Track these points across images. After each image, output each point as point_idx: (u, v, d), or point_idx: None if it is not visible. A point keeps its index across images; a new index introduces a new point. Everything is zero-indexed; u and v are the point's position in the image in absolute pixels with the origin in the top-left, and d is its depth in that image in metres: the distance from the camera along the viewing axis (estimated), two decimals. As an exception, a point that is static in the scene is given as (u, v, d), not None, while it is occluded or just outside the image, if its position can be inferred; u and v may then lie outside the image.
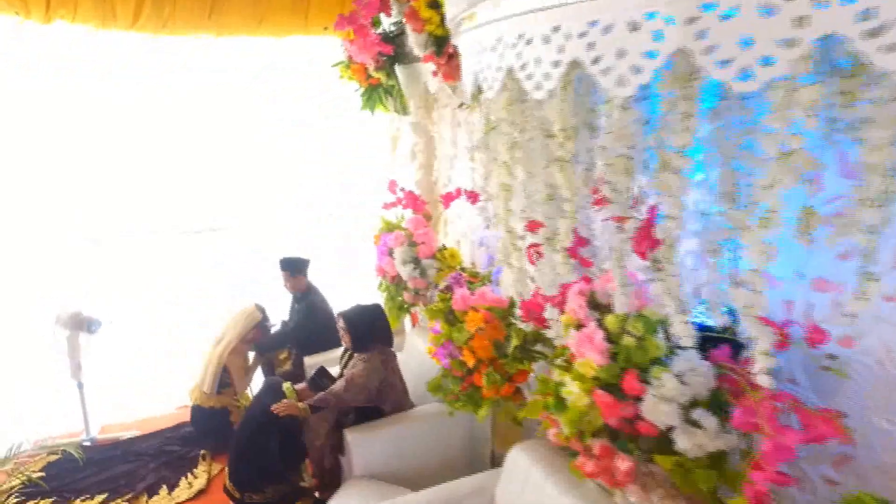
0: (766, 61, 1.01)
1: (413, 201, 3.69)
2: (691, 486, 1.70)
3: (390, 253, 3.64)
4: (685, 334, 1.43)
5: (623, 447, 1.76)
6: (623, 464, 1.74)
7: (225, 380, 3.86)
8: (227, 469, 3.24)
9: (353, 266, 5.36)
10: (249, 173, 5.61)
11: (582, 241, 2.09)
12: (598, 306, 2.06)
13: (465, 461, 3.17)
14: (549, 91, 1.41)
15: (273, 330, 4.13)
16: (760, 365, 1.26)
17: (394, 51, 3.59)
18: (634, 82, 1.20)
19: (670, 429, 1.71)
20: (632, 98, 1.36)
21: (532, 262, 2.22)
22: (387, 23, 3.79)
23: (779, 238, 1.24)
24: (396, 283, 3.70)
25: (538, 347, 2.56)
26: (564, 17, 1.31)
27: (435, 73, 2.90)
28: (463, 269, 3.53)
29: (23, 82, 4.41)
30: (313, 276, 4.25)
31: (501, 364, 2.51)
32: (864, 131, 1.10)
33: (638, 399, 1.78)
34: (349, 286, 4.49)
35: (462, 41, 2.04)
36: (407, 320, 4.28)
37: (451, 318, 2.75)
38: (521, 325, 2.60)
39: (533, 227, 1.88)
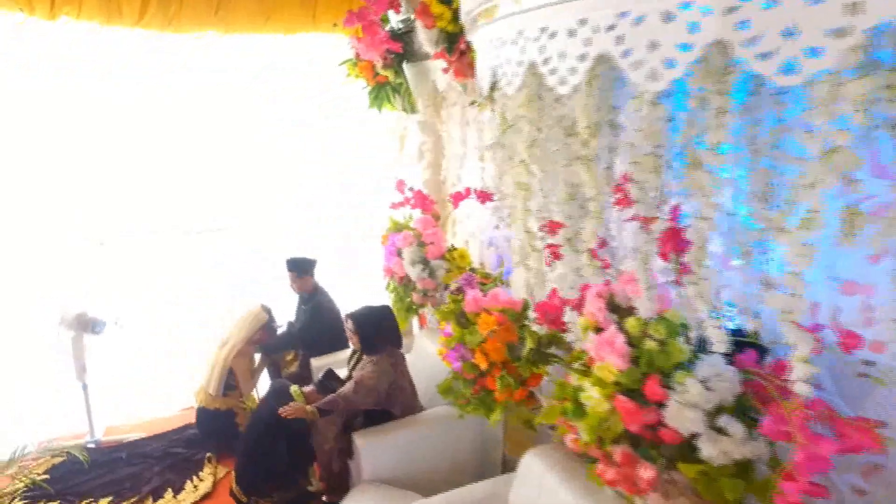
0: (813, 53, 0.96)
1: (422, 201, 3.64)
2: (716, 494, 1.65)
3: (399, 253, 3.59)
4: (718, 339, 1.37)
5: (646, 455, 1.71)
6: (646, 472, 1.68)
7: (231, 381, 3.81)
8: (233, 472, 3.19)
9: (352, 266, 5.32)
10: (251, 173, 5.57)
11: (601, 243, 2.04)
12: (617, 309, 2.01)
13: (475, 466, 3.11)
14: (573, 86, 1.36)
15: (279, 331, 4.08)
16: (799, 372, 1.20)
17: (402, 48, 3.54)
18: (667, 76, 1.15)
19: (694, 436, 1.66)
20: (661, 94, 1.31)
21: (547, 264, 2.17)
22: (394, 20, 3.75)
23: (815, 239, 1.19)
24: (405, 284, 3.65)
25: (552, 350, 2.51)
26: (592, 9, 1.26)
27: (446, 71, 2.85)
28: (473, 270, 3.48)
29: (23, 82, 4.38)
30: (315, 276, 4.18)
31: (515, 367, 2.46)
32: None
33: (660, 405, 1.73)
34: (349, 286, 4.42)
35: (478, 36, 1.99)
36: (415, 321, 4.23)
37: (463, 320, 2.70)
38: (535, 328, 2.56)
39: (553, 227, 1.83)
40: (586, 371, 1.96)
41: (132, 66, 4.49)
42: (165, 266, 5.46)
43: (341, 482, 3.13)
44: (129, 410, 4.38)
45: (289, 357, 4.14)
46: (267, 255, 5.52)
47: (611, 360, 1.83)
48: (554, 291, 2.26)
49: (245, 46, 4.33)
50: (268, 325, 3.95)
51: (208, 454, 3.75)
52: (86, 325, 3.86)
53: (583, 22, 1.28)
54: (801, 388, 1.23)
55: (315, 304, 3.99)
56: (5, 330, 4.26)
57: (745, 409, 1.68)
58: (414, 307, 3.65)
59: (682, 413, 1.65)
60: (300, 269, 4.01)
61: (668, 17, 1.12)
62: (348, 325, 3.09)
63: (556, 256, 2.16)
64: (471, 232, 3.91)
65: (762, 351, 1.75)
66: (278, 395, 3.09)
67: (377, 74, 3.85)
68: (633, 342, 1.83)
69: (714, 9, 1.05)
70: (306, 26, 3.56)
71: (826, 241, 1.22)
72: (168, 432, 4.09)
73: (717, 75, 1.24)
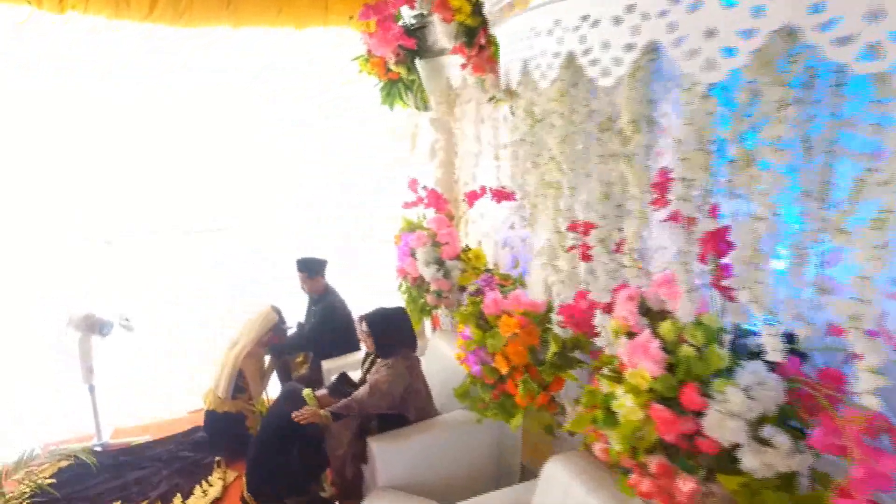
0: (899, 37, 0.88)
1: (436, 200, 3.57)
2: (759, 508, 1.57)
3: (412, 254, 3.51)
4: (774, 347, 1.28)
5: (685, 466, 1.62)
6: (686, 484, 1.60)
7: (240, 384, 3.74)
8: (244, 478, 3.12)
9: (352, 266, 5.26)
10: (254, 173, 5.55)
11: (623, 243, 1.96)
12: (648, 312, 1.93)
13: (493, 473, 3.04)
14: (617, 78, 1.28)
15: (289, 332, 4.01)
16: (867, 384, 1.12)
17: (416, 45, 3.47)
18: (725, 66, 1.07)
19: (735, 446, 1.58)
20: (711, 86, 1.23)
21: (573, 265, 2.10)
22: (407, 16, 3.67)
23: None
24: (418, 285, 3.57)
25: (576, 354, 2.43)
26: (641, -5, 1.18)
27: (464, 66, 2.77)
28: (488, 271, 3.40)
29: (25, 82, 4.37)
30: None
31: (537, 371, 2.38)
32: None
33: (698, 414, 1.65)
34: (348, 286, 4.34)
35: (504, 29, 1.91)
36: (427, 323, 4.16)
37: (482, 323, 2.62)
38: (558, 331, 2.48)
39: (587, 227, 1.75)
40: (617, 377, 1.88)
41: (133, 66, 4.49)
42: (171, 266, 5.41)
43: (354, 488, 3.06)
44: (136, 412, 4.31)
45: (299, 359, 4.06)
46: (271, 256, 5.48)
47: (644, 366, 1.75)
48: (581, 294, 2.18)
49: (245, 46, 4.32)
50: (278, 326, 3.88)
51: (217, 458, 3.67)
52: (93, 326, 3.79)
53: (630, 8, 1.20)
54: (870, 401, 1.14)
55: (326, 305, 3.91)
56: (12, 332, 4.19)
57: (786, 419, 1.60)
58: (427, 308, 3.57)
59: (723, 423, 1.57)
60: (311, 269, 3.94)
61: (728, 2, 1.04)
62: (362, 328, 3.01)
63: (587, 258, 2.09)
64: (484, 232, 3.83)
65: (801, 357, 1.67)
66: (290, 398, 3.01)
67: (389, 71, 3.78)
68: (667, 348, 1.75)
69: (783, -9, 0.97)
70: (317, 21, 3.48)
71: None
72: (176, 435, 4.01)
73: (773, 65, 1.15)
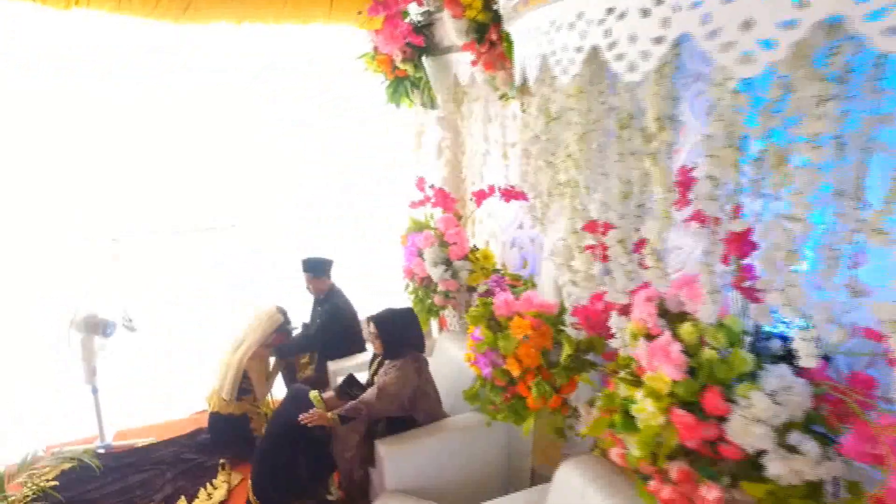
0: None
1: (443, 199, 3.52)
2: (785, 516, 1.52)
3: (420, 254, 3.46)
4: (808, 353, 1.24)
5: (709, 473, 1.58)
6: (711, 492, 1.56)
7: (245, 385, 3.69)
8: (250, 482, 3.07)
9: (355, 266, 5.24)
10: (259, 172, 5.54)
11: (644, 243, 1.91)
12: (667, 314, 1.89)
13: (502, 476, 2.99)
14: (644, 73, 1.24)
15: (294, 333, 3.96)
16: (910, 390, 1.08)
17: (424, 42, 3.42)
18: (763, 59, 1.03)
19: (760, 453, 1.54)
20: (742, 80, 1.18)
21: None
22: (414, 12, 3.63)
23: None
24: (425, 286, 3.53)
25: (590, 357, 2.39)
26: (672, -15, 1.13)
27: (474, 63, 2.73)
28: (496, 271, 3.36)
29: (25, 82, 4.35)
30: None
31: (550, 374, 2.33)
32: None
33: (721, 419, 1.61)
34: (349, 286, 4.31)
35: (520, 24, 1.86)
36: (433, 323, 4.11)
37: (493, 324, 2.58)
38: (570, 332, 2.44)
39: (606, 228, 1.70)
40: (636, 381, 1.84)
41: (134, 66, 4.48)
42: (174, 267, 5.38)
43: (362, 492, 3.02)
44: (139, 414, 4.26)
45: (304, 360, 4.02)
46: (275, 255, 5.45)
47: (665, 369, 1.70)
48: (596, 296, 2.14)
49: (245, 46, 4.30)
50: (283, 326, 3.83)
51: (222, 460, 3.63)
52: (95, 327, 3.74)
53: (660, 0, 1.15)
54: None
55: (332, 306, 3.86)
56: (13, 332, 4.15)
57: (812, 425, 1.56)
58: (435, 309, 3.53)
59: (748, 429, 1.52)
60: (316, 269, 3.89)
61: (768, -9, 0.99)
62: (370, 329, 2.96)
63: (604, 259, 2.04)
64: (492, 232, 3.79)
65: (824, 360, 1.63)
66: (297, 401, 2.97)
67: (396, 68, 3.73)
68: (688, 351, 1.70)
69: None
70: (321, 16, 3.43)
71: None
72: (180, 437, 3.97)
73: (809, 58, 1.11)
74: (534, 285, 2.86)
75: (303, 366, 4.01)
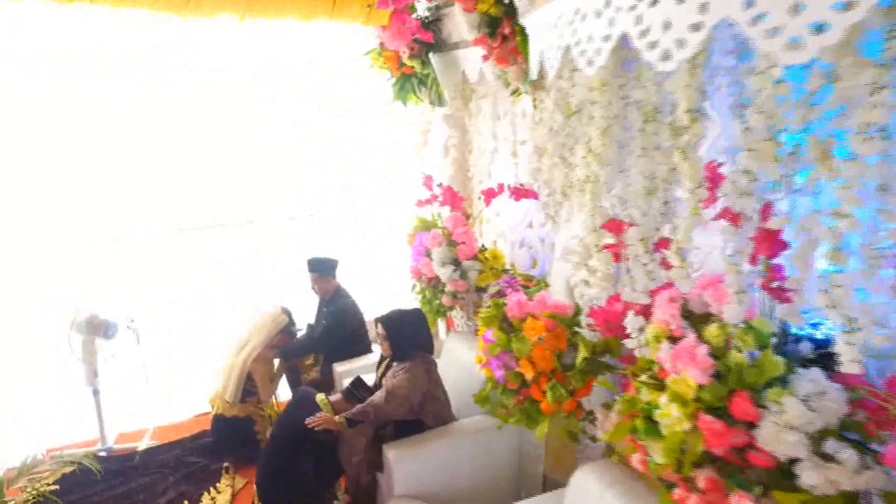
0: None
1: (452, 198, 3.45)
2: (820, 527, 1.46)
3: (427, 253, 3.40)
4: (850, 358, 1.17)
5: (739, 482, 1.51)
6: (742, 502, 1.49)
7: (249, 387, 3.62)
8: (255, 487, 3.01)
9: (356, 265, 5.19)
10: (262, 172, 5.50)
11: (664, 243, 1.85)
12: (691, 316, 1.82)
13: (513, 481, 2.93)
14: (679, 62, 1.17)
15: (298, 334, 3.90)
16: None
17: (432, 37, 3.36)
18: (814, 45, 0.96)
19: (792, 461, 1.47)
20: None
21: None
22: (421, 8, 3.57)
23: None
24: (433, 286, 3.46)
25: (605, 359, 2.32)
26: (712, -32, 1.07)
27: (486, 58, 2.66)
28: (506, 271, 3.30)
29: (25, 82, 4.31)
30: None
31: (567, 377, 2.27)
32: None
33: (750, 425, 1.54)
34: (353, 285, 4.26)
35: (539, 15, 1.80)
36: (441, 324, 4.05)
37: (505, 326, 2.51)
38: (585, 334, 2.37)
39: (619, 227, 1.64)
40: (658, 384, 1.77)
41: (134, 65, 4.44)
42: (177, 267, 5.32)
43: (369, 497, 2.95)
44: (141, 416, 4.20)
45: (308, 362, 3.95)
46: (275, 255, 5.41)
47: (690, 373, 1.64)
48: (614, 297, 2.07)
49: (246, 45, 4.26)
50: (287, 327, 3.76)
51: (226, 464, 3.56)
52: (97, 328, 3.68)
53: (698, -16, 1.09)
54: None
55: (338, 307, 3.79)
56: (13, 333, 4.09)
57: (846, 432, 1.49)
58: (443, 310, 3.46)
59: (781, 436, 1.46)
60: (322, 269, 3.82)
61: (820, -27, 0.93)
62: (378, 330, 2.90)
63: (617, 258, 1.98)
64: (500, 231, 3.73)
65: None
66: (303, 404, 2.91)
67: (403, 65, 3.67)
68: (714, 353, 1.64)
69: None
70: (324, 12, 3.36)
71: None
72: (183, 440, 3.89)
73: (854, 44, 1.04)
74: (546, 285, 2.79)
75: (307, 367, 3.94)
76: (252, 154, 5.38)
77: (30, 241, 4.65)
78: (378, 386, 2.99)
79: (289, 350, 3.80)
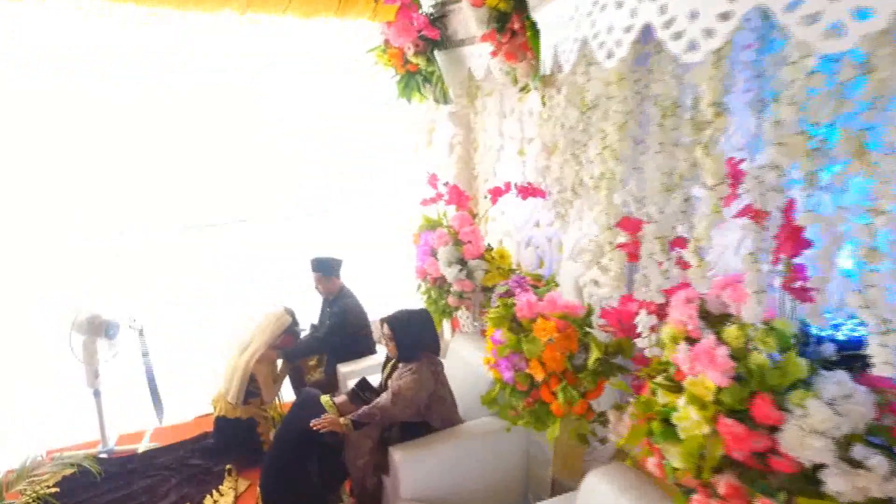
0: None
1: (457, 196, 3.41)
2: (846, 535, 1.41)
3: (433, 253, 3.35)
4: (884, 360, 1.13)
5: (763, 488, 1.47)
6: (766, 509, 1.44)
7: (252, 389, 3.58)
8: (259, 490, 2.96)
9: (359, 265, 5.18)
10: (263, 171, 5.49)
11: (681, 241, 1.81)
12: (708, 316, 1.77)
13: (521, 484, 2.89)
14: (706, 53, 1.13)
15: (302, 335, 3.85)
16: None
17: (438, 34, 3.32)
18: (856, 32, 0.91)
19: (818, 467, 1.43)
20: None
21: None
22: (426, 4, 3.52)
23: None
24: (439, 286, 3.41)
25: (617, 361, 2.28)
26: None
27: (494, 53, 2.62)
28: (512, 271, 3.25)
29: (26, 82, 4.29)
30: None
31: (579, 378, 2.22)
32: None
33: (772, 429, 1.50)
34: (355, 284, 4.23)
35: (552, 7, 1.75)
36: (446, 325, 4.00)
37: (514, 326, 2.46)
38: (597, 335, 2.33)
39: (635, 225, 1.59)
40: (675, 387, 1.72)
41: (133, 65, 4.44)
42: (179, 267, 5.28)
43: (374, 500, 2.91)
44: (142, 417, 4.15)
45: (312, 363, 3.90)
46: (277, 254, 5.37)
47: (709, 375, 1.59)
48: (627, 297, 2.03)
49: (246, 45, 4.25)
50: (291, 328, 3.72)
51: (228, 466, 3.51)
52: (98, 328, 3.63)
53: (728, -30, 1.04)
54: None
55: (342, 307, 3.74)
56: (13, 334, 4.05)
57: (872, 437, 1.45)
58: (449, 310, 3.41)
59: (805, 440, 1.41)
60: (326, 269, 3.77)
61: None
62: (384, 331, 2.85)
63: (634, 258, 1.93)
64: (505, 230, 3.68)
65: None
66: (308, 405, 2.86)
67: (407, 62, 3.62)
68: (734, 355, 1.59)
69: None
70: (329, 10, 3.32)
71: None
72: (185, 441, 3.85)
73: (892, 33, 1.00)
74: (556, 285, 2.74)
75: (310, 368, 3.90)
76: (253, 153, 5.36)
77: (30, 240, 4.61)
78: (383, 387, 2.94)
79: (292, 351, 3.75)
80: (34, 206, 4.68)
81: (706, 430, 1.58)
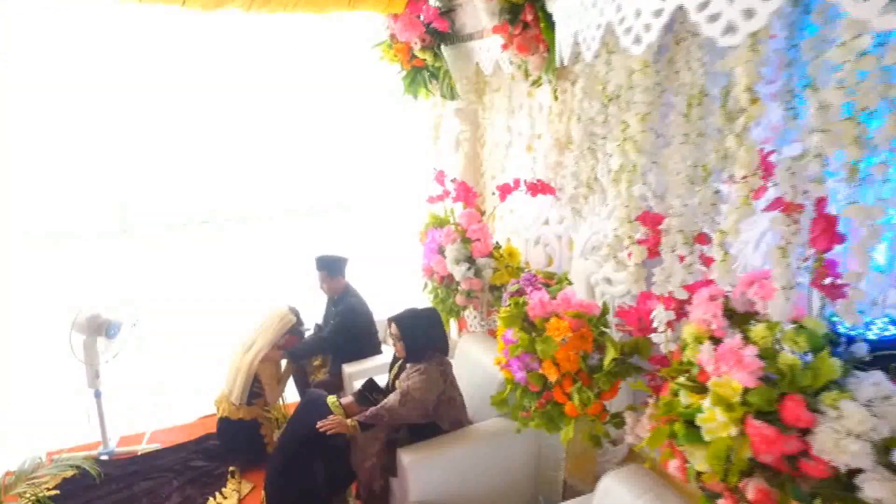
0: None
1: (465, 193, 3.35)
2: (883, 543, 1.35)
3: (440, 251, 3.29)
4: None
5: (796, 494, 1.41)
6: (799, 515, 1.38)
7: (255, 389, 3.52)
8: (264, 492, 2.90)
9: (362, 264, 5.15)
10: (265, 170, 5.45)
11: (704, 236, 1.75)
12: (733, 315, 1.72)
13: (532, 487, 2.83)
14: (745, 35, 1.07)
15: (306, 335, 3.79)
16: None
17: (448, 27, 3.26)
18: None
19: (853, 472, 1.36)
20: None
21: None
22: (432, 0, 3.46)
23: None
24: (446, 285, 3.35)
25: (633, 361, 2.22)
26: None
27: (505, 46, 2.55)
28: (521, 269, 3.19)
29: (25, 81, 4.25)
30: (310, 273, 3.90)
31: (595, 379, 2.16)
32: None
33: (804, 432, 1.44)
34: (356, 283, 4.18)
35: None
36: (453, 324, 3.94)
37: (526, 325, 2.40)
38: (613, 335, 2.27)
39: (656, 219, 1.54)
40: (699, 387, 1.66)
41: (133, 65, 4.39)
42: (181, 266, 5.24)
43: (382, 503, 2.84)
44: (144, 418, 4.09)
45: (316, 363, 3.84)
46: (280, 254, 5.33)
47: (736, 375, 1.53)
48: (646, 295, 1.97)
49: (246, 44, 4.22)
50: (295, 328, 3.65)
51: (231, 468, 3.45)
52: (99, 328, 3.57)
53: (771, -54, 0.98)
54: None
55: (347, 307, 3.68)
56: (13, 334, 3.98)
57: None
58: (456, 309, 3.35)
59: (841, 444, 1.35)
60: (331, 268, 3.71)
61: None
62: (391, 330, 2.79)
63: (655, 253, 1.88)
64: (514, 228, 3.62)
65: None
66: (314, 406, 2.80)
67: (414, 58, 3.56)
68: (762, 355, 1.53)
69: None
70: (341, 5, 3.26)
71: None
72: (187, 443, 3.78)
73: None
74: (570, 283, 2.68)
75: (315, 368, 3.83)
76: (254, 151, 5.33)
77: (31, 239, 4.56)
78: (391, 388, 2.88)
79: (296, 351, 3.69)
80: (34, 205, 4.63)
81: (733, 431, 1.52)
